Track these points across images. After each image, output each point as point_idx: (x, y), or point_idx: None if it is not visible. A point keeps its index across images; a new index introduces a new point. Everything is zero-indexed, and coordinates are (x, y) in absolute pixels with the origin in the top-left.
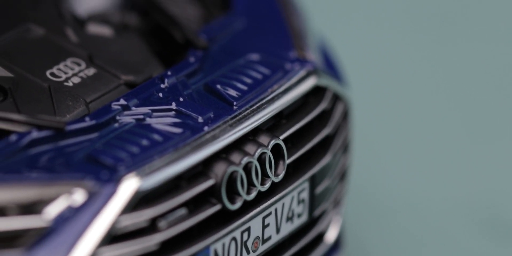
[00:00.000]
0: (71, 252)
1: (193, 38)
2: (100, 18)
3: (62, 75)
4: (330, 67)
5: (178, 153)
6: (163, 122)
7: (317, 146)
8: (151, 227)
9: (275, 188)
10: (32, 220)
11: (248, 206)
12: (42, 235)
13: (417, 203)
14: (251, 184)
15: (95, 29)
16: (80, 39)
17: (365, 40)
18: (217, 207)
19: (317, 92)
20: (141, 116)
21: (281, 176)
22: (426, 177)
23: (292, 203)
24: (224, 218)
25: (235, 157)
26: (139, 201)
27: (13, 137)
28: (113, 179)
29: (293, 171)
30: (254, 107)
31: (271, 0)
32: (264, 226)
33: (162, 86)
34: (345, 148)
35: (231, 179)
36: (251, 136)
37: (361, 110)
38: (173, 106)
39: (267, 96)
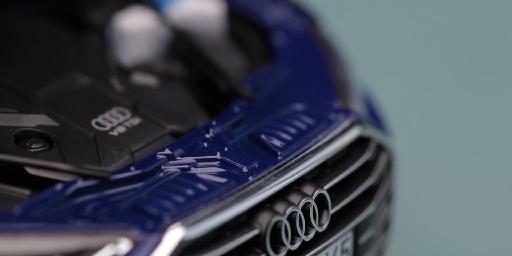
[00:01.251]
0: None
1: (238, 87)
2: (145, 67)
3: (107, 125)
4: (374, 117)
5: (223, 203)
6: (208, 171)
7: (361, 196)
8: None
9: (319, 238)
10: None
11: None
12: None
13: (462, 252)
14: (295, 234)
15: (140, 78)
16: (125, 89)
17: (407, 89)
18: None
19: (361, 142)
20: (186, 166)
21: (325, 226)
22: (471, 227)
23: (336, 253)
24: None
25: (280, 207)
26: (183, 251)
27: (58, 186)
28: (158, 229)
29: (337, 221)
30: (299, 157)
31: (315, 50)
32: None
33: (207, 136)
34: (389, 198)
35: (275, 229)
36: (296, 186)
37: (404, 160)
38: (218, 156)
39: (312, 146)
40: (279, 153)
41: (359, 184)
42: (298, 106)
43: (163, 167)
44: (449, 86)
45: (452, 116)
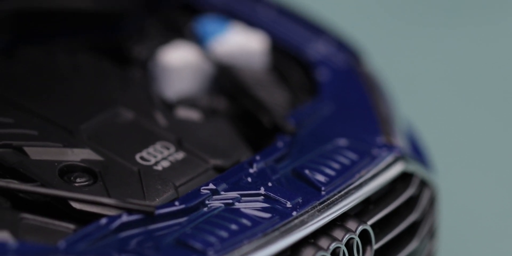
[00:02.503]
0: None
1: (281, 123)
2: (188, 102)
3: (151, 159)
4: (417, 152)
5: (266, 238)
6: (252, 206)
7: (404, 231)
8: None
9: None
10: None
11: None
12: None
13: None
14: None
15: (183, 113)
16: (169, 123)
17: (451, 125)
18: None
19: (404, 178)
20: (230, 201)
21: None
22: None
23: None
24: None
25: (323, 242)
26: None
27: (103, 221)
28: None
29: None
30: (342, 192)
31: (358, 85)
32: None
33: (251, 170)
34: (432, 233)
35: None
36: (339, 221)
37: (447, 195)
38: (262, 191)
39: (355, 181)
40: (322, 188)
41: (402, 219)
42: (342, 142)
43: (207, 201)
44: (487, 120)
45: (495, 153)
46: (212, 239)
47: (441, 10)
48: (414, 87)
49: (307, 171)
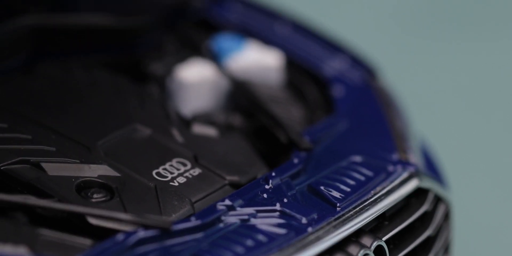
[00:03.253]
0: None
1: (297, 139)
2: (205, 118)
3: (168, 175)
4: (431, 168)
5: (282, 253)
6: (267, 222)
7: (418, 247)
8: None
9: None
10: None
11: None
12: None
13: None
14: None
15: (200, 129)
16: (186, 139)
17: (465, 141)
18: None
19: (419, 194)
20: (246, 217)
21: None
22: None
23: None
24: None
25: None
26: None
27: (120, 236)
28: None
29: None
30: (357, 208)
31: (373, 102)
32: None
33: (267, 186)
34: (446, 249)
35: None
36: (354, 237)
37: (460, 211)
38: (278, 207)
39: (370, 197)
40: (338, 204)
41: (417, 235)
42: (357, 158)
43: (223, 217)
44: (502, 136)
45: (510, 169)
46: (228, 254)
47: (456, 25)
48: (428, 103)
49: (322, 187)
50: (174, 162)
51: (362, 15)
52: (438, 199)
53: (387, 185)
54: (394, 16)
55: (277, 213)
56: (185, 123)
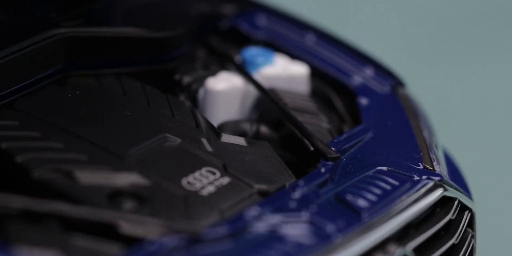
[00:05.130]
0: None
1: (324, 149)
2: (234, 127)
3: (197, 184)
4: (455, 178)
5: None
6: (295, 231)
7: (443, 254)
8: None
9: None
10: None
11: None
12: None
13: None
14: None
15: (229, 138)
16: (215, 148)
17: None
18: None
19: (444, 203)
20: (274, 225)
21: None
22: None
23: None
24: None
25: None
26: None
27: (150, 243)
28: None
29: None
30: (383, 217)
31: (400, 113)
32: None
33: (294, 195)
34: None
35: None
36: (381, 246)
37: (483, 220)
38: (305, 215)
39: (396, 206)
40: (364, 213)
41: (441, 243)
42: (383, 167)
43: (251, 226)
44: None
45: None
46: None
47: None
48: (450, 115)
49: (349, 196)
50: (203, 171)
51: (387, 27)
52: (462, 208)
53: (413, 194)
54: (418, 28)
55: (304, 222)
56: (215, 132)
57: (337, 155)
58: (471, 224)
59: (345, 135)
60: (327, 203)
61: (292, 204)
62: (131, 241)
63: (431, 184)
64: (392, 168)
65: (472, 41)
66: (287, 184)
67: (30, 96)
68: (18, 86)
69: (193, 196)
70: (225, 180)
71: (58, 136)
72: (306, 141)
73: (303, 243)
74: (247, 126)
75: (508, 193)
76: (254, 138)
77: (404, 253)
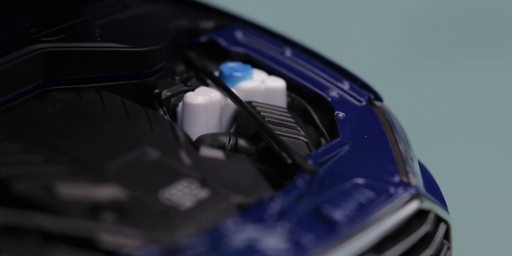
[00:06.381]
0: None
1: (301, 162)
2: (212, 140)
3: (176, 196)
4: (431, 190)
5: None
6: (271, 243)
7: None
8: None
9: None
10: None
11: None
12: None
13: None
14: None
15: (207, 151)
16: (194, 162)
17: (461, 163)
18: None
19: (420, 215)
20: (251, 237)
21: None
22: None
23: None
24: None
25: None
26: None
27: (128, 253)
28: None
29: None
30: (360, 229)
31: (376, 126)
32: None
33: (272, 208)
34: None
35: None
36: None
37: (459, 232)
38: (282, 227)
39: (372, 219)
40: (341, 225)
41: (418, 255)
42: (359, 180)
43: (228, 237)
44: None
45: (506, 189)
46: None
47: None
48: (426, 127)
49: (326, 209)
50: (182, 183)
51: (363, 42)
52: (438, 220)
53: (389, 207)
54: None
55: (282, 234)
56: (193, 145)
57: (314, 168)
58: (447, 235)
59: (322, 148)
60: (304, 216)
61: (270, 217)
62: (111, 254)
63: (407, 196)
64: (369, 181)
65: (446, 54)
66: (265, 197)
67: (10, 111)
68: None
69: (172, 208)
70: (204, 192)
71: (38, 150)
72: (284, 154)
73: (281, 254)
74: (225, 139)
75: (483, 205)
76: (232, 151)
77: None
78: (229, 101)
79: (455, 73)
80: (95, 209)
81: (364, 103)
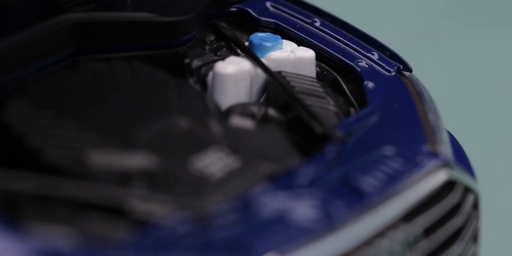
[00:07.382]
0: None
1: (330, 131)
2: (242, 110)
3: (205, 164)
4: (460, 160)
5: (314, 241)
6: (301, 210)
7: (449, 236)
8: None
9: None
10: None
11: None
12: None
13: None
14: None
15: (237, 121)
16: (224, 131)
17: (489, 133)
18: None
19: (448, 184)
20: (281, 205)
21: None
22: None
23: None
24: None
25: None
26: None
27: (159, 220)
28: None
29: None
30: (389, 199)
31: (405, 96)
32: None
33: (301, 177)
34: (475, 238)
35: None
36: (385, 227)
37: (488, 201)
38: (312, 196)
39: (401, 188)
40: (370, 194)
41: (446, 225)
42: (388, 150)
43: (258, 206)
44: None
45: None
46: (266, 242)
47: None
48: (455, 99)
49: (355, 178)
50: (212, 152)
51: (394, 15)
52: (467, 190)
53: (418, 176)
54: (424, 15)
55: (311, 202)
56: (223, 115)
57: (343, 138)
58: (475, 205)
59: (351, 118)
60: (333, 185)
61: (299, 185)
62: (141, 222)
63: (436, 166)
64: (398, 151)
65: (477, 25)
66: (295, 166)
67: (41, 81)
68: (30, 70)
69: (202, 176)
70: (234, 161)
71: (69, 119)
72: (313, 124)
73: (309, 222)
74: (255, 109)
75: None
76: (262, 120)
77: (413, 232)
78: (259, 71)
79: (486, 45)
80: (125, 177)
81: (393, 73)
